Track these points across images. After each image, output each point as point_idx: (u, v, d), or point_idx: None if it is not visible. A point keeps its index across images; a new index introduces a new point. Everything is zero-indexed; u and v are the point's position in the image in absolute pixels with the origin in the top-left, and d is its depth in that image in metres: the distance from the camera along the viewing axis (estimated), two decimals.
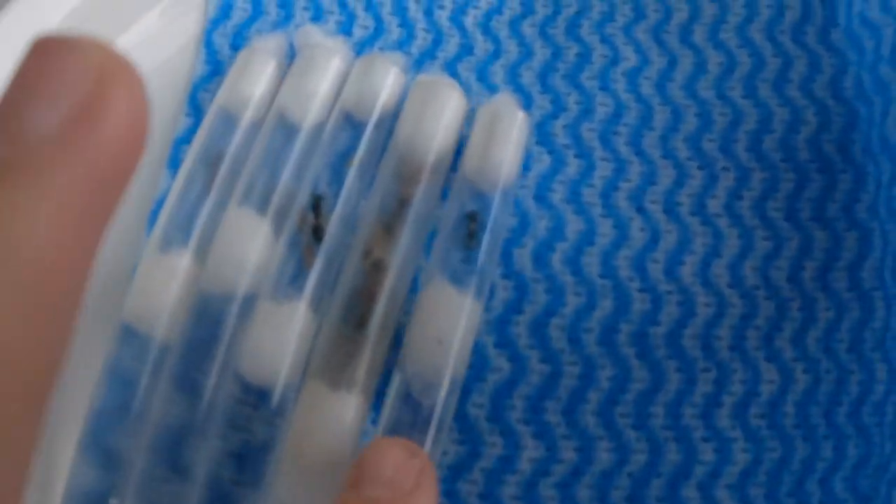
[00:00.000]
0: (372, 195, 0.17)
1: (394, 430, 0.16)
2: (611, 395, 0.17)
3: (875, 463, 0.18)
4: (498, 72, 0.20)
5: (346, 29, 0.20)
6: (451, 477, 0.17)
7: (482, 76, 0.20)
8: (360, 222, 0.17)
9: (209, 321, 0.17)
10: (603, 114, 0.19)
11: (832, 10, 0.21)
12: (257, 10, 0.20)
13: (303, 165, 0.18)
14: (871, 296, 0.19)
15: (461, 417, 0.17)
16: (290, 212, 0.17)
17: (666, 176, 0.19)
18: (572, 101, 0.20)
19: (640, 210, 0.19)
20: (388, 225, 0.17)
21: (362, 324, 0.16)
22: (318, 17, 0.20)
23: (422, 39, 0.20)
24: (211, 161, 0.18)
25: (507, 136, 0.17)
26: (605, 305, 0.18)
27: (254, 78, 0.18)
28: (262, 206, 0.17)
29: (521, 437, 0.17)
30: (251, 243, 0.17)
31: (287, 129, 0.18)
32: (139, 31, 0.20)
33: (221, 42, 0.20)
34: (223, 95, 0.18)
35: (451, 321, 0.16)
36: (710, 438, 0.18)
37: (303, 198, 0.18)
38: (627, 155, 0.19)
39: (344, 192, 0.18)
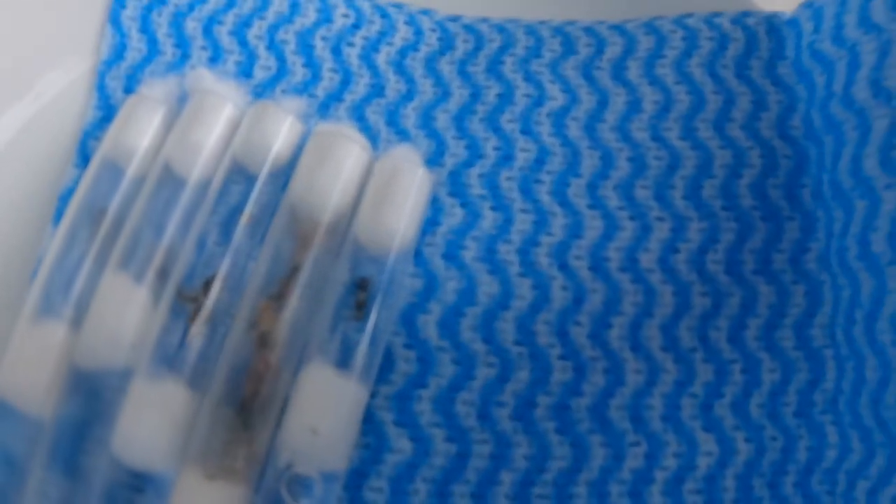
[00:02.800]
0: (260, 259, 0.16)
1: None
2: (527, 476, 0.16)
3: None
4: (410, 115, 0.18)
5: (246, 70, 0.18)
6: None
7: (392, 120, 0.18)
8: (247, 289, 0.16)
9: (86, 397, 0.16)
10: (524, 160, 0.18)
11: (779, 43, 0.19)
12: (152, 50, 0.18)
13: (190, 223, 0.16)
14: (820, 354, 0.17)
15: None
16: (173, 277, 0.16)
17: (593, 228, 0.17)
18: (490, 146, 0.18)
19: (563, 267, 0.17)
20: (278, 293, 0.16)
21: (245, 406, 0.15)
22: (216, 56, 0.18)
23: (328, 80, 0.18)
24: (93, 218, 0.17)
25: (404, 196, 0.16)
26: (521, 377, 0.16)
27: (140, 127, 0.17)
28: (141, 272, 0.16)
29: None
30: (127, 314, 0.16)
31: (173, 184, 0.17)
32: (25, 78, 0.19)
33: (114, 86, 0.18)
34: (106, 146, 0.17)
35: (329, 408, 0.14)
36: None
37: (189, 257, 0.16)
38: (550, 206, 0.18)
39: (231, 254, 0.16)
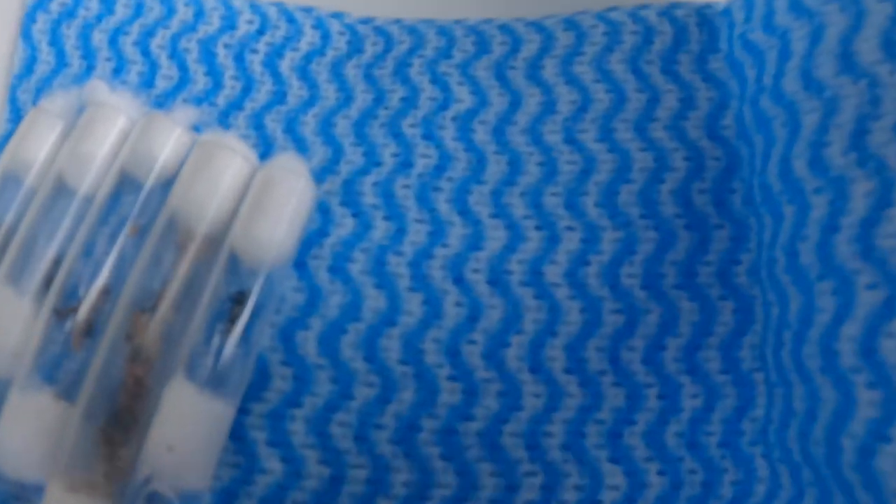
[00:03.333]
0: (136, 268, 0.16)
1: None
2: None
3: None
4: (309, 122, 0.17)
5: (148, 80, 0.18)
6: None
7: (290, 128, 0.17)
8: (121, 299, 0.15)
9: None
10: (423, 167, 0.17)
11: (712, 35, 0.17)
12: (60, 63, 0.18)
13: (78, 233, 0.16)
14: (750, 378, 0.15)
15: None
16: (55, 287, 0.16)
17: (494, 239, 0.16)
18: (388, 153, 0.17)
19: (458, 281, 0.16)
20: (154, 306, 0.15)
21: (118, 420, 0.15)
22: (120, 67, 0.18)
23: (230, 88, 0.18)
24: None
25: (280, 206, 0.15)
26: (405, 397, 0.15)
27: (38, 140, 0.17)
28: (26, 283, 0.16)
29: None
30: (8, 325, 0.16)
31: (64, 195, 0.16)
32: None
33: (25, 99, 0.18)
34: (5, 158, 0.17)
35: (187, 425, 0.14)
36: None
37: (74, 268, 0.16)
38: (448, 215, 0.16)
39: (115, 265, 0.16)
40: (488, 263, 0.16)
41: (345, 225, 0.16)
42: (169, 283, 0.15)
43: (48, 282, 0.16)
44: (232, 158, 0.16)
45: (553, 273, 0.16)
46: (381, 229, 0.16)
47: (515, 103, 0.17)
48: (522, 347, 0.16)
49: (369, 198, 0.17)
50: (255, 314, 0.15)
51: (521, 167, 0.17)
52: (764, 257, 0.15)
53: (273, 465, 0.15)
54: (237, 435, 0.15)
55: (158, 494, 0.14)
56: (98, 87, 0.17)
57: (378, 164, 0.17)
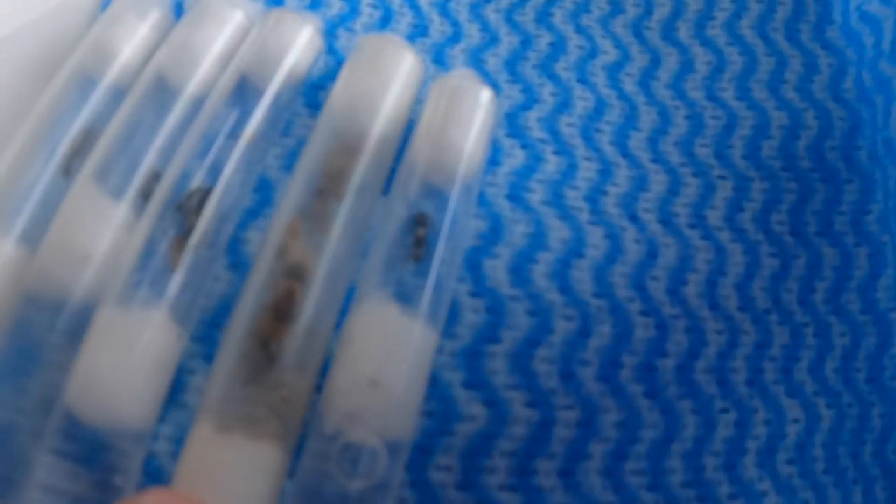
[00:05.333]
0: (294, 175, 0.13)
1: (312, 501, 0.11)
2: (619, 448, 0.13)
3: None
4: (458, 56, 0.16)
5: (278, 1, 0.16)
6: None
7: (439, 59, 0.16)
8: (277, 212, 0.13)
9: (32, 333, 0.12)
10: (582, 109, 0.16)
11: (826, 7, 0.19)
12: None
13: (181, 140, 0.14)
14: (887, 318, 0.16)
15: (421, 487, 0.13)
16: (157, 196, 0.13)
17: (658, 182, 0.16)
18: (546, 92, 0.16)
19: (633, 219, 0.16)
20: (315, 215, 0.13)
21: (272, 347, 0.12)
22: None
23: (367, 16, 0.16)
24: (61, 131, 0.14)
25: (470, 116, 0.14)
26: (604, 331, 0.14)
27: (125, 32, 0.14)
28: (117, 187, 0.13)
29: None
30: (99, 232, 0.12)
31: (165, 95, 0.14)
32: None
33: None
34: (83, 51, 0.14)
35: (393, 354, 0.12)
36: (737, 495, 0.14)
37: (173, 180, 0.13)
38: (613, 156, 0.16)
39: (228, 177, 0.13)
40: (656, 204, 0.16)
41: (515, 156, 0.15)
42: (336, 190, 0.13)
43: (145, 192, 0.13)
44: (404, 52, 0.14)
45: (714, 217, 0.16)
46: (552, 163, 0.15)
47: (656, 61, 0.18)
48: (699, 285, 0.15)
49: (536, 132, 0.16)
50: (445, 236, 0.13)
51: (671, 119, 0.17)
52: (892, 205, 0.17)
53: (474, 410, 0.13)
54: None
55: (355, 445, 0.12)
56: None
57: (538, 101, 0.16)
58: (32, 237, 0.13)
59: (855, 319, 0.16)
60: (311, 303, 0.12)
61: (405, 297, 0.12)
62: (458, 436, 0.13)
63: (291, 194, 0.13)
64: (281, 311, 0.12)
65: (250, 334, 0.12)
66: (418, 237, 0.13)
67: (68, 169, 0.14)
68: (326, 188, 0.13)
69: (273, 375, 0.12)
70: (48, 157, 0.14)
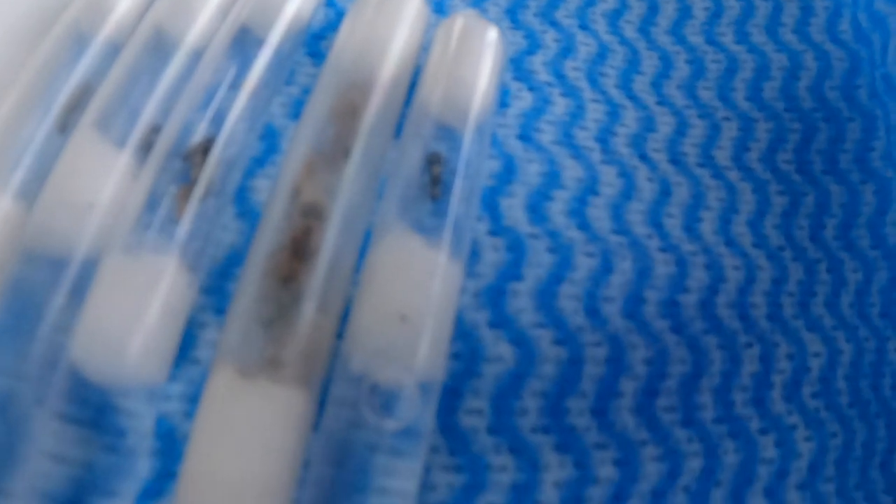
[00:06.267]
0: (304, 117, 0.13)
1: (341, 449, 0.11)
2: (649, 385, 0.13)
3: None
4: (458, 6, 0.16)
5: None
6: None
7: (439, 8, 0.16)
8: (287, 153, 0.12)
9: (32, 294, 0.12)
10: (586, 53, 0.16)
11: None
12: None
13: (182, 91, 0.13)
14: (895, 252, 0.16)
15: (450, 432, 0.12)
16: (157, 147, 0.12)
17: (665, 123, 0.16)
18: (549, 38, 0.16)
19: (644, 158, 0.15)
20: (328, 154, 0.12)
21: (291, 282, 0.11)
22: None
23: None
24: (56, 88, 0.13)
25: (479, 54, 0.13)
26: (625, 267, 0.14)
27: None
28: (119, 136, 0.12)
29: (539, 452, 0.12)
30: (102, 179, 0.12)
31: (163, 48, 0.13)
32: None
33: None
34: (77, 6, 0.13)
35: (421, 287, 0.11)
36: (768, 430, 0.14)
37: (176, 132, 0.13)
38: (620, 98, 0.16)
39: (231, 126, 0.13)
40: (665, 144, 0.16)
41: (523, 98, 0.15)
42: (349, 129, 0.13)
43: (146, 145, 0.13)
44: None
45: (722, 157, 0.16)
46: (560, 105, 0.15)
47: (654, 8, 0.18)
48: (714, 222, 0.15)
49: (542, 75, 0.15)
50: (461, 175, 0.13)
51: (672, 63, 0.17)
52: (893, 140, 0.17)
53: (502, 350, 0.12)
54: None
55: (384, 386, 0.11)
56: None
57: (541, 46, 0.16)
58: (29, 192, 0.12)
59: (866, 255, 0.16)
60: (330, 239, 0.11)
61: (427, 232, 0.12)
62: (486, 377, 0.12)
63: (302, 135, 0.12)
64: (299, 249, 0.11)
65: (268, 273, 0.11)
66: (434, 175, 0.13)
67: (65, 125, 0.13)
68: (339, 127, 0.12)
69: (297, 315, 0.11)
70: (44, 113, 0.13)
